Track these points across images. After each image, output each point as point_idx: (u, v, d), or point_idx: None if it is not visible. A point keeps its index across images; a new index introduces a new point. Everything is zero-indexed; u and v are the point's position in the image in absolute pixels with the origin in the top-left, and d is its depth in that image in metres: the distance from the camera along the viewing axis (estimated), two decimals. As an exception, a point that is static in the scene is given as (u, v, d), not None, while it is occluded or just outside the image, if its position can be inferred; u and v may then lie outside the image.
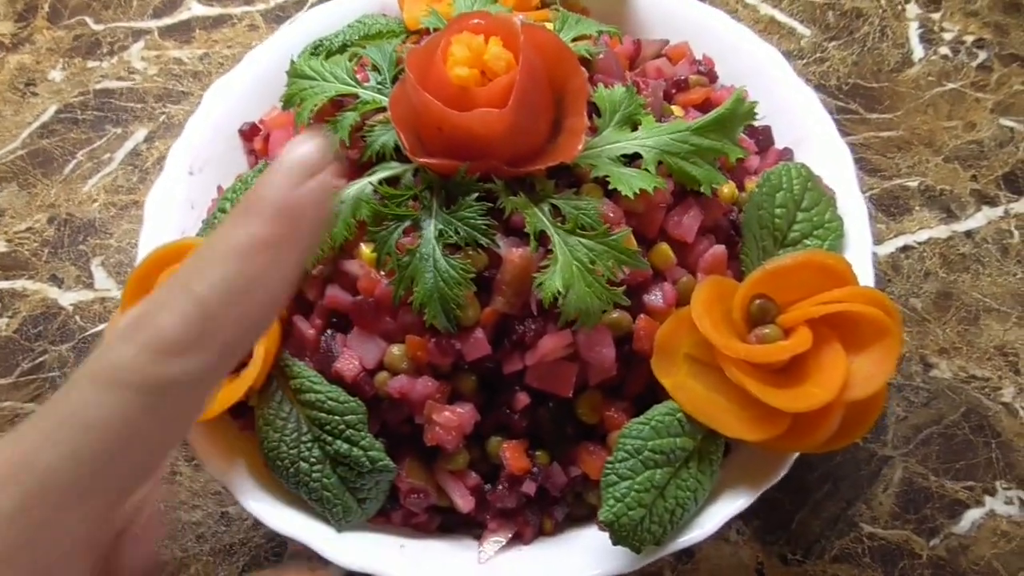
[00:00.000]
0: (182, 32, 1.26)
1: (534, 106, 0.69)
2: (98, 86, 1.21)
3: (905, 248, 1.04)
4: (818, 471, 0.91)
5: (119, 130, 1.17)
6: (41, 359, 1.01)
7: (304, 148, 0.43)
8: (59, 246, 1.09)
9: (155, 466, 0.39)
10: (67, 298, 1.05)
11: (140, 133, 1.17)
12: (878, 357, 0.69)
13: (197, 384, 0.39)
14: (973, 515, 0.90)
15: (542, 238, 0.69)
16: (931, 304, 1.00)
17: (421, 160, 0.70)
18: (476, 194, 0.69)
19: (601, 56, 0.79)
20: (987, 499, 0.90)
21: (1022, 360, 0.97)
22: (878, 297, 0.70)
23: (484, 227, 0.69)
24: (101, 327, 1.03)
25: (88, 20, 1.27)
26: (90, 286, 1.06)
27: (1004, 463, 0.92)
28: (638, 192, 0.69)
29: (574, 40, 0.80)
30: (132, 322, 0.38)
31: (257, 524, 0.84)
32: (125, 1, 1.29)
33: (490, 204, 0.70)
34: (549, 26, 0.81)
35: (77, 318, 1.04)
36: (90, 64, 1.23)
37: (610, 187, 0.70)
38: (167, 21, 1.27)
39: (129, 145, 1.16)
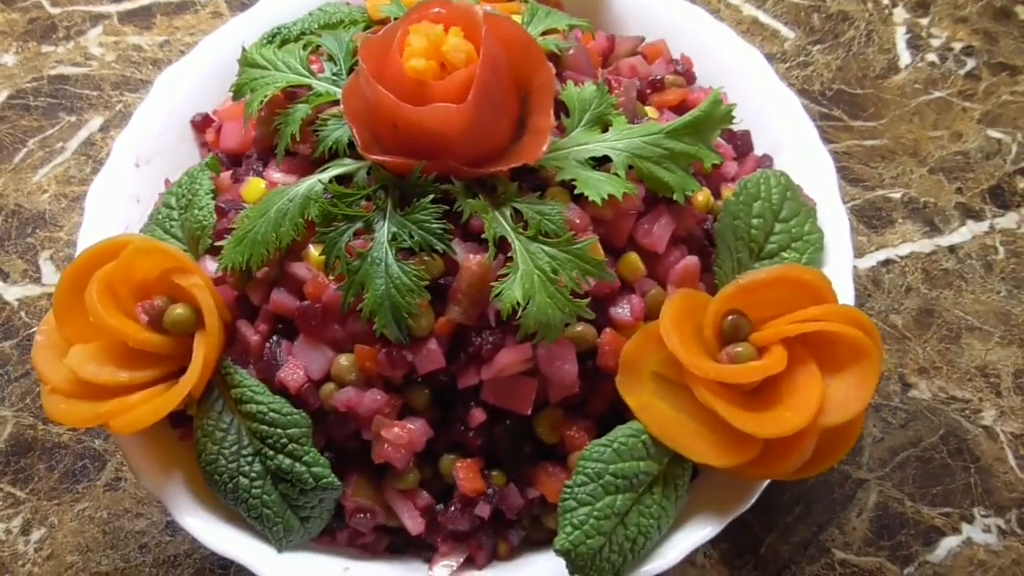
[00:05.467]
0: (142, 18, 1.21)
1: (495, 103, 0.64)
2: (52, 72, 1.16)
3: (887, 262, 1.00)
4: (789, 493, 0.87)
5: (73, 118, 1.12)
6: (-19, 356, 0.96)
7: None
8: (6, 238, 1.04)
9: None
10: (12, 292, 1.01)
11: (95, 122, 1.12)
12: (856, 380, 0.65)
13: None
14: (949, 543, 0.86)
15: (502, 244, 0.64)
16: (912, 321, 0.97)
17: (374, 158, 0.65)
18: (432, 196, 0.65)
19: (571, 52, 0.75)
20: (964, 526, 0.87)
21: (1004, 382, 0.93)
22: (858, 317, 0.66)
23: (440, 231, 0.64)
24: (47, 324, 0.98)
25: (44, 2, 1.22)
26: (37, 280, 1.01)
27: (982, 489, 0.88)
28: (606, 198, 0.65)
29: (543, 34, 0.76)
30: None
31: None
32: (84, -17, 1.24)
33: (447, 207, 0.65)
34: (517, 19, 0.77)
35: (22, 314, 0.99)
36: (45, 49, 1.18)
37: (576, 191, 0.66)
38: (127, 6, 1.22)
39: (83, 134, 1.11)
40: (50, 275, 1.01)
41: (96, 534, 0.87)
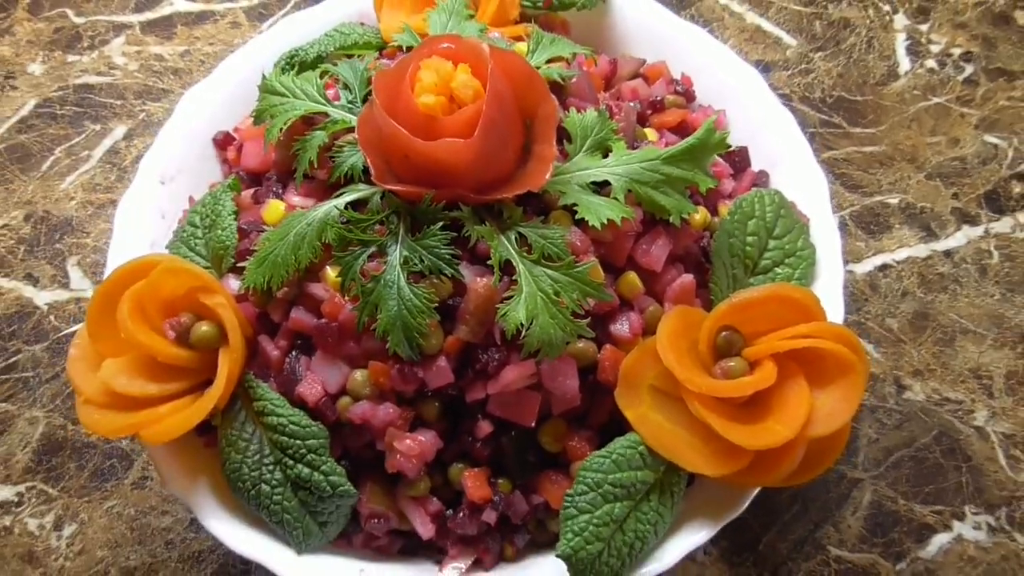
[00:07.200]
0: (163, 28, 1.25)
1: (501, 134, 0.68)
2: (78, 80, 1.20)
3: (883, 267, 1.04)
4: (787, 492, 0.91)
5: (98, 127, 1.16)
6: (14, 359, 1.01)
7: None
8: (35, 244, 1.08)
9: None
10: (42, 297, 1.05)
11: (119, 130, 1.16)
12: (842, 394, 0.69)
13: None
14: (941, 540, 0.90)
15: (507, 267, 0.68)
16: (907, 325, 1.00)
17: (388, 186, 0.69)
18: (442, 222, 0.69)
19: (574, 80, 0.78)
20: (955, 524, 0.90)
21: (996, 383, 0.96)
22: (845, 334, 0.70)
23: (448, 256, 0.68)
24: (76, 327, 1.02)
25: (69, 12, 1.26)
26: (66, 285, 1.05)
27: (974, 488, 0.92)
28: (606, 222, 0.69)
29: (548, 62, 0.79)
30: None
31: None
32: (107, -6, 1.28)
33: (456, 233, 0.69)
34: (522, 46, 0.80)
35: (52, 318, 1.03)
36: (70, 58, 1.22)
37: (578, 216, 0.70)
38: (149, 16, 1.26)
39: (108, 143, 1.15)
40: (77, 280, 1.06)
41: (124, 530, 0.92)
